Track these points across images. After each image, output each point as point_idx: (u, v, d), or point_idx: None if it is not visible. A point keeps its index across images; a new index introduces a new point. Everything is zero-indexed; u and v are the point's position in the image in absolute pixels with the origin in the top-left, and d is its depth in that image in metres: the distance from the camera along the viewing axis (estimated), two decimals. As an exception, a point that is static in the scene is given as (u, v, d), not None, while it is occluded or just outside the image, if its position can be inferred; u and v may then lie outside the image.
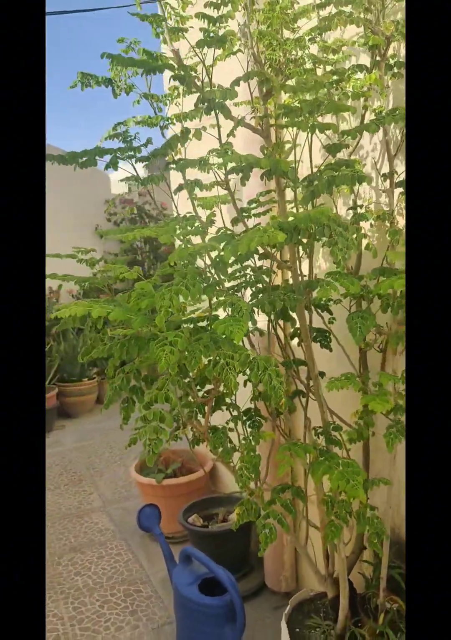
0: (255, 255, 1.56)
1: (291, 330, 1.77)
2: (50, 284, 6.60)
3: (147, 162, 1.53)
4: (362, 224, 1.63)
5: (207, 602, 2.07)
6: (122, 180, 1.61)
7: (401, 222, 1.49)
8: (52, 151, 1.63)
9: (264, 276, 1.64)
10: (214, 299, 1.37)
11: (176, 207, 1.66)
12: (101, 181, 7.58)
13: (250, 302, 1.53)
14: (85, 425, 5.56)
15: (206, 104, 1.26)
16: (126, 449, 2.65)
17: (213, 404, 1.62)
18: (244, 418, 1.63)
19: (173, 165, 1.56)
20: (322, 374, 1.74)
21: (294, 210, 1.63)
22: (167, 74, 1.49)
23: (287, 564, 2.48)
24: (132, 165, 1.53)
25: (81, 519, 3.52)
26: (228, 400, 1.65)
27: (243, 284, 1.67)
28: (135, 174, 1.54)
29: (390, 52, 1.47)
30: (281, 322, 1.87)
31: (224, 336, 1.13)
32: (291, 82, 1.38)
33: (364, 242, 1.54)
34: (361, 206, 1.60)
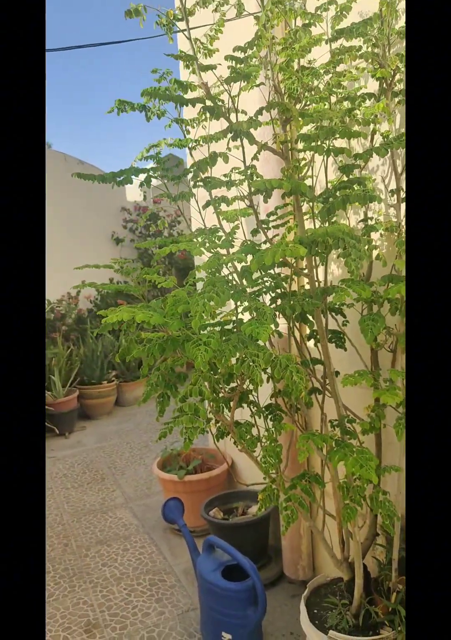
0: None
1: (308, 332, 1.92)
2: (69, 290, 6.80)
3: (178, 181, 1.69)
4: (372, 234, 1.78)
5: (231, 586, 2.23)
6: (156, 197, 1.77)
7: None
8: (77, 166, 1.78)
9: (283, 283, 1.79)
10: (239, 304, 1.52)
11: (203, 220, 1.82)
12: (117, 189, 7.79)
13: (271, 307, 1.68)
14: (105, 426, 5.74)
15: (233, 132, 1.42)
16: (155, 442, 2.80)
17: (237, 400, 1.78)
18: (266, 413, 1.78)
19: (201, 183, 1.72)
20: (337, 373, 1.88)
21: (309, 222, 1.78)
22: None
23: (304, 554, 2.62)
24: (165, 183, 1.69)
25: (105, 514, 3.69)
26: (250, 397, 1.81)
27: (263, 290, 1.82)
28: (167, 191, 1.70)
29: (397, 77, 1.62)
30: (298, 324, 2.02)
31: (251, 337, 1.29)
32: (308, 109, 1.54)
33: (375, 252, 1.69)
34: (371, 218, 1.75)
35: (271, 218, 1.97)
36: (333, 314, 1.94)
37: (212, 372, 1.46)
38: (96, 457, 4.83)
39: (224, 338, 1.39)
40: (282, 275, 1.92)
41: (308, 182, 1.76)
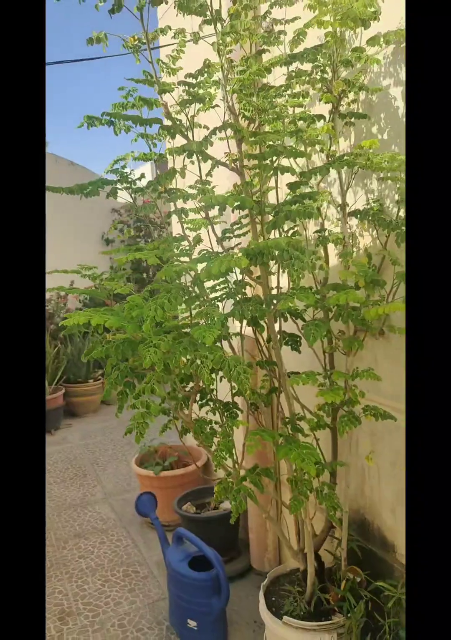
0: (237, 269, 1.83)
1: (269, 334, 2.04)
2: (50, 292, 6.88)
3: (142, 193, 1.80)
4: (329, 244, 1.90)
5: (196, 576, 2.34)
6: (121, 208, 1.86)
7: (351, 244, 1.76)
8: (67, 167, 1.93)
9: (242, 289, 1.90)
10: (193, 309, 1.64)
11: (168, 227, 1.94)
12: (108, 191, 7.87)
13: (229, 312, 1.80)
14: (90, 424, 5.84)
15: (186, 151, 1.54)
16: (123, 437, 2.89)
17: (198, 399, 1.89)
18: (223, 410, 1.90)
19: (165, 194, 1.83)
20: (297, 373, 2.00)
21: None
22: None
23: (270, 547, 2.74)
24: (131, 195, 1.81)
25: (85, 508, 3.80)
26: (212, 395, 1.92)
27: (224, 295, 1.94)
28: (132, 202, 1.82)
29: (344, 100, 1.75)
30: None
31: (199, 340, 1.40)
32: (262, 128, 1.65)
33: (323, 262, 1.81)
34: (325, 229, 1.87)
35: (235, 226, 2.08)
36: (294, 317, 2.05)
37: (166, 372, 1.57)
38: (79, 453, 4.93)
39: (177, 341, 1.51)
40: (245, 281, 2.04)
41: (272, 194, 1.88)
